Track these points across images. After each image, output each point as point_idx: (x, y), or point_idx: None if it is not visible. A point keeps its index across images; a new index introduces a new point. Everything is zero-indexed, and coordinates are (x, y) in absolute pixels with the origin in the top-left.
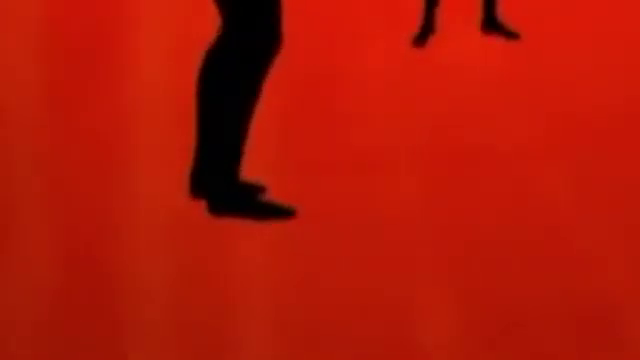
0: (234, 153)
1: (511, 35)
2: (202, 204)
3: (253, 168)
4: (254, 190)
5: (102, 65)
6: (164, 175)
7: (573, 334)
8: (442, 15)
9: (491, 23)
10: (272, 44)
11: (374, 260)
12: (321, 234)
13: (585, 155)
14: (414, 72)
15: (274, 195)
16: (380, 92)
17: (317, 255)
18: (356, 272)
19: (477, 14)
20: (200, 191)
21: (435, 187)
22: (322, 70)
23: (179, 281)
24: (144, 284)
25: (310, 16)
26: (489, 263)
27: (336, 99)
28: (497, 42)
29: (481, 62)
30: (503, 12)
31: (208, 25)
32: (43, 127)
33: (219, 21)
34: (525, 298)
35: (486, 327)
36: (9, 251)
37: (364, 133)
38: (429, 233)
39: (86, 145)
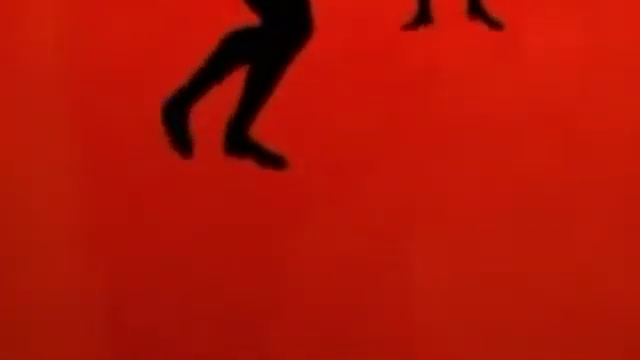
0: (254, 112)
1: (494, 24)
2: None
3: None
4: (276, 158)
5: None
6: None
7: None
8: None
9: (475, 8)
10: (306, 36)
11: (367, 220)
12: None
13: (571, 136)
14: (409, 56)
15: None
16: (375, 72)
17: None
18: (349, 229)
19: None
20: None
21: (428, 160)
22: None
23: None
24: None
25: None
26: (484, 219)
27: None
28: (483, 29)
29: (472, 48)
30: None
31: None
32: None
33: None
34: (513, 272)
35: (478, 282)
36: None
37: (361, 113)
38: (422, 192)
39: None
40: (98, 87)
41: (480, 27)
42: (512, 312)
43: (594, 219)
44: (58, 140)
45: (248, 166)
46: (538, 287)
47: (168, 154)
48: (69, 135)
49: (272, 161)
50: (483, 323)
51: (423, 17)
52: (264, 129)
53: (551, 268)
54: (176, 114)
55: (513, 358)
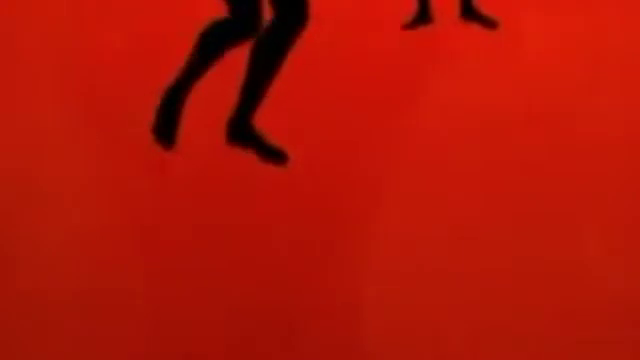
0: (257, 102)
1: (489, 24)
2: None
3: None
4: (276, 152)
5: None
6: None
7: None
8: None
9: (468, 10)
10: (303, 25)
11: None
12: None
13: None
14: (410, 55)
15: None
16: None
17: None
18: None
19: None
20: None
21: (428, 159)
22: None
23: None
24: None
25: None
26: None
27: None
28: (479, 29)
29: (467, 45)
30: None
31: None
32: None
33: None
34: (506, 268)
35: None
36: None
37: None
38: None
39: None
40: (98, 87)
41: (480, 27)
42: (512, 312)
43: (594, 219)
44: (58, 139)
45: (248, 166)
46: (538, 287)
47: (167, 154)
48: (69, 134)
49: (273, 155)
50: (482, 323)
51: (423, 17)
52: (264, 129)
53: (551, 268)
54: (170, 101)
55: (513, 358)
